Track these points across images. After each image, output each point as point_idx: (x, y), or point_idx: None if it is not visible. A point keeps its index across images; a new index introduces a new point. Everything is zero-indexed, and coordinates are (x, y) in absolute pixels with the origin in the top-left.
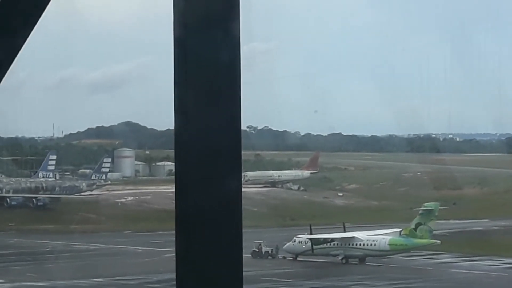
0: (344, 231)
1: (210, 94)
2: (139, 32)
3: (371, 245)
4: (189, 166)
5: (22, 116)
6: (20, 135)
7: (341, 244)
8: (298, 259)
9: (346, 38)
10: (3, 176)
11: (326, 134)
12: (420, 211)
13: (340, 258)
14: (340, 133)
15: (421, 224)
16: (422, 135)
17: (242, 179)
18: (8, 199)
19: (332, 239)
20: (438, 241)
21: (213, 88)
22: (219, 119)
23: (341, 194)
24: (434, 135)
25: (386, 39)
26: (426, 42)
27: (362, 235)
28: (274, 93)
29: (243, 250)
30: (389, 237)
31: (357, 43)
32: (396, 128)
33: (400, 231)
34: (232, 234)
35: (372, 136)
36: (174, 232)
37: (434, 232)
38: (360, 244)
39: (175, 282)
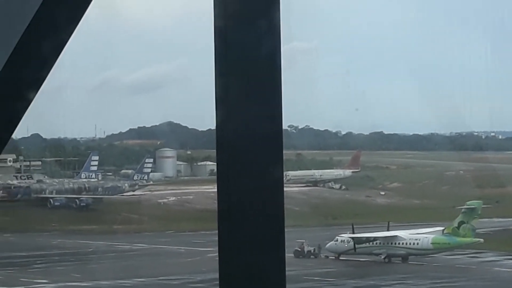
0: (388, 230)
1: (251, 85)
2: (181, 33)
3: (413, 244)
4: (231, 158)
5: (65, 118)
6: (62, 136)
7: (383, 243)
8: (340, 258)
9: (387, 36)
10: (46, 177)
11: (368, 133)
12: (463, 210)
13: (382, 257)
14: (381, 131)
15: (464, 223)
16: (464, 133)
17: (284, 177)
18: (51, 200)
19: (375, 238)
20: (481, 240)
21: (254, 80)
22: (260, 110)
23: (383, 193)
24: (476, 133)
25: (427, 36)
26: (467, 38)
27: (404, 234)
28: (315, 92)
29: (286, 250)
30: (432, 236)
31: (398, 40)
32: (438, 126)
33: (443, 230)
34: (275, 232)
35: (413, 134)
36: (216, 232)
37: (477, 230)
38: (402, 243)
39: (218, 282)
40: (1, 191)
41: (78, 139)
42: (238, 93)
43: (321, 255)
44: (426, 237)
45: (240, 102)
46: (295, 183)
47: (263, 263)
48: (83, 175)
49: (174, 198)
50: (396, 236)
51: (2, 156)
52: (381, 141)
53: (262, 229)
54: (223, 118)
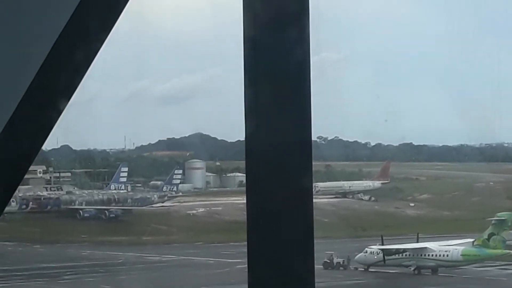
0: (417, 242)
1: (280, 96)
2: (210, 43)
3: (443, 255)
4: (260, 169)
5: (94, 129)
6: (92, 148)
7: (413, 255)
8: (369, 270)
9: (416, 47)
10: (75, 188)
11: (397, 144)
12: (493, 221)
13: (412, 268)
14: (411, 143)
15: (494, 234)
16: (494, 144)
17: (313, 189)
18: (81, 211)
19: (404, 250)
20: None
21: (283, 90)
22: (290, 120)
23: (412, 204)
24: (506, 144)
25: (456, 47)
26: (497, 48)
27: (434, 246)
28: (344, 103)
29: (315, 261)
30: (462, 248)
31: (427, 51)
32: (468, 137)
33: (473, 242)
34: (304, 243)
35: (443, 145)
36: (245, 243)
37: (507, 242)
38: (432, 255)
39: None
40: (31, 202)
41: (107, 150)
42: (267, 103)
43: (350, 266)
44: (456, 249)
45: (270, 112)
46: (324, 195)
47: (292, 275)
48: (112, 186)
49: (203, 210)
50: (425, 247)
51: (32, 167)
52: (411, 152)
53: (292, 240)
54: (253, 128)
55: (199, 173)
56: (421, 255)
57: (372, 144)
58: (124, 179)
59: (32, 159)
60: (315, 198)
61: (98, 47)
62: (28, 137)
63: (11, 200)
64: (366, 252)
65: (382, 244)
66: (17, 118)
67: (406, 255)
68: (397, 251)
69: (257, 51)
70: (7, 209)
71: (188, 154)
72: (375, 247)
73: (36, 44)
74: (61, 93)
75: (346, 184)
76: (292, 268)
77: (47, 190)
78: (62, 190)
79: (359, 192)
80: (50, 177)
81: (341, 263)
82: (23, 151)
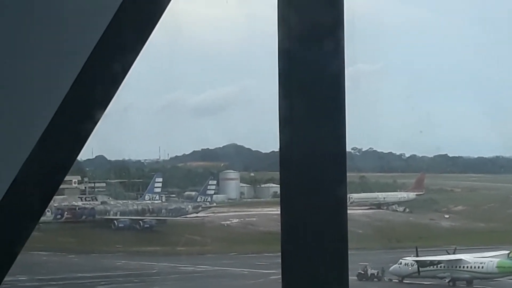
0: (454, 253)
1: (315, 107)
2: (245, 54)
3: (478, 267)
4: (295, 179)
5: (129, 139)
6: (127, 158)
7: (448, 267)
8: (404, 281)
9: (452, 57)
10: (110, 198)
11: (432, 156)
12: None
13: (447, 280)
14: (446, 154)
15: None
16: None
17: (348, 200)
18: (115, 222)
19: (439, 262)
20: None
21: (318, 101)
22: (324, 131)
23: (447, 216)
24: None
25: (492, 57)
26: None
27: (469, 258)
28: (378, 114)
29: (349, 272)
30: (497, 260)
31: (462, 62)
32: (503, 149)
33: (509, 253)
34: (338, 254)
35: (478, 157)
36: (279, 254)
37: None
38: (467, 267)
39: None
40: (66, 212)
41: (142, 160)
42: (302, 114)
43: (385, 278)
44: (491, 261)
45: (304, 124)
46: (358, 206)
47: (326, 286)
48: (147, 197)
49: (237, 220)
50: (460, 259)
51: (68, 177)
52: (446, 164)
53: (326, 251)
54: (287, 139)
55: (233, 183)
56: (456, 267)
57: (407, 155)
58: (159, 190)
59: (68, 169)
60: (349, 209)
61: (134, 58)
62: (63, 147)
63: (46, 210)
64: (401, 263)
65: (417, 256)
66: (53, 128)
67: (440, 266)
68: (432, 263)
69: (292, 63)
70: (42, 219)
71: (222, 165)
72: (410, 259)
73: (72, 55)
74: (97, 104)
75: (380, 195)
76: (326, 279)
77: (82, 200)
78: (96, 200)
79: (393, 203)
80: (85, 187)
81: (375, 274)
82: (58, 161)
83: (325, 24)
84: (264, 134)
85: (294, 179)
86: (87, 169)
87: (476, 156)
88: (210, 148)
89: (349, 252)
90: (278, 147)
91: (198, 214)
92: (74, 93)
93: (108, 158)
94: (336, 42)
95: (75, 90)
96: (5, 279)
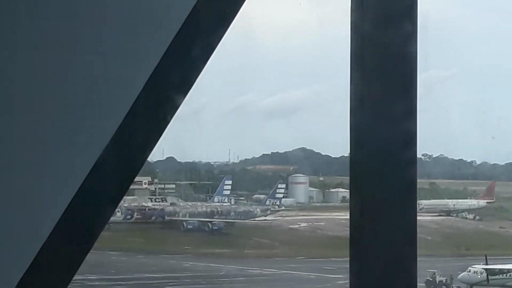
0: None
1: (386, 113)
2: (317, 59)
3: None
4: (364, 185)
5: (199, 142)
6: (197, 160)
7: None
8: None
9: None
10: (179, 200)
11: (503, 163)
12: None
13: None
14: None
15: None
16: None
17: (417, 206)
18: (184, 223)
19: (509, 270)
20: None
21: (389, 107)
22: (395, 137)
23: None
24: None
25: None
26: None
27: None
28: (450, 121)
29: (418, 279)
30: None
31: None
32: None
33: None
34: (407, 260)
35: None
36: (347, 259)
37: None
38: None
39: None
40: (136, 213)
41: (211, 163)
42: (372, 119)
43: (453, 285)
44: None
45: (375, 129)
46: (428, 212)
47: None
48: (216, 199)
49: (305, 224)
50: None
51: (138, 178)
52: None
53: (394, 256)
54: (357, 144)
55: (302, 187)
56: None
57: (478, 162)
58: (228, 192)
59: (138, 170)
60: (418, 215)
61: (205, 61)
62: (135, 147)
63: (116, 210)
64: (470, 271)
65: (486, 264)
66: (125, 128)
67: (510, 275)
68: (501, 271)
69: (364, 68)
70: (112, 219)
71: (291, 168)
72: (479, 267)
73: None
74: (168, 104)
75: (450, 203)
76: (395, 285)
77: (151, 201)
78: (166, 201)
79: (463, 210)
80: (155, 188)
81: (444, 281)
82: (129, 161)
83: (398, 30)
84: (333, 138)
85: (364, 184)
86: (157, 170)
87: None
88: (279, 151)
89: (417, 259)
90: (348, 152)
91: (267, 217)
92: (146, 93)
93: (178, 160)
94: (408, 47)
95: (148, 90)
96: (75, 278)
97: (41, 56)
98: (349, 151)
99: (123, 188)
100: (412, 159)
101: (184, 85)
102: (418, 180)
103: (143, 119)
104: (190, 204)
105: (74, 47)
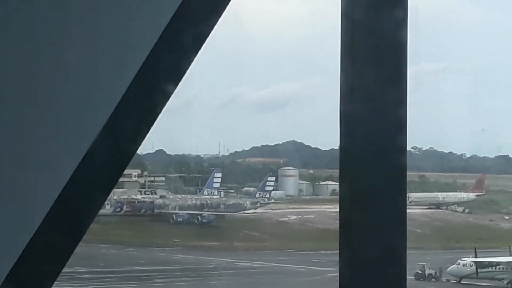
0: (511, 255)
1: (376, 105)
2: (308, 52)
3: None
4: (354, 178)
5: (189, 134)
6: (186, 153)
7: (506, 268)
8: (462, 282)
9: None
10: (169, 192)
11: (493, 156)
12: None
13: (505, 282)
14: (507, 155)
15: None
16: None
17: (407, 199)
18: (174, 216)
19: (498, 263)
20: None
21: (379, 100)
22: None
23: (507, 217)
24: None
25: None
26: None
27: None
28: (440, 114)
29: (407, 272)
30: None
31: None
32: None
33: None
34: (396, 253)
35: None
36: (336, 252)
37: None
38: None
39: None
40: (125, 206)
41: (201, 156)
42: (362, 112)
43: (442, 278)
44: None
45: (365, 122)
46: (417, 205)
47: (384, 284)
48: (205, 192)
49: (295, 217)
50: None
51: (127, 171)
52: (507, 165)
53: (384, 249)
54: (347, 132)
55: (292, 180)
56: None
57: (468, 155)
58: (217, 185)
59: (129, 160)
60: (408, 208)
61: (194, 55)
62: (124, 138)
63: (106, 203)
64: (459, 264)
65: (475, 257)
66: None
67: (499, 268)
68: (490, 264)
69: (354, 61)
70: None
71: (281, 161)
72: (468, 259)
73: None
74: (158, 96)
75: (440, 195)
76: (384, 277)
77: (141, 194)
78: (156, 194)
79: (453, 203)
80: (145, 181)
81: (433, 274)
82: (119, 153)
83: (387, 20)
84: (324, 131)
85: (354, 177)
86: (147, 163)
87: None
88: (270, 144)
89: (407, 251)
90: (338, 145)
91: (256, 210)
92: (137, 82)
93: (168, 153)
94: (398, 40)
95: (139, 79)
96: (64, 270)
97: (30, 46)
98: (339, 139)
99: (113, 179)
100: (402, 147)
101: (175, 74)
102: (407, 173)
103: (133, 109)
104: (180, 197)
105: (64, 37)
